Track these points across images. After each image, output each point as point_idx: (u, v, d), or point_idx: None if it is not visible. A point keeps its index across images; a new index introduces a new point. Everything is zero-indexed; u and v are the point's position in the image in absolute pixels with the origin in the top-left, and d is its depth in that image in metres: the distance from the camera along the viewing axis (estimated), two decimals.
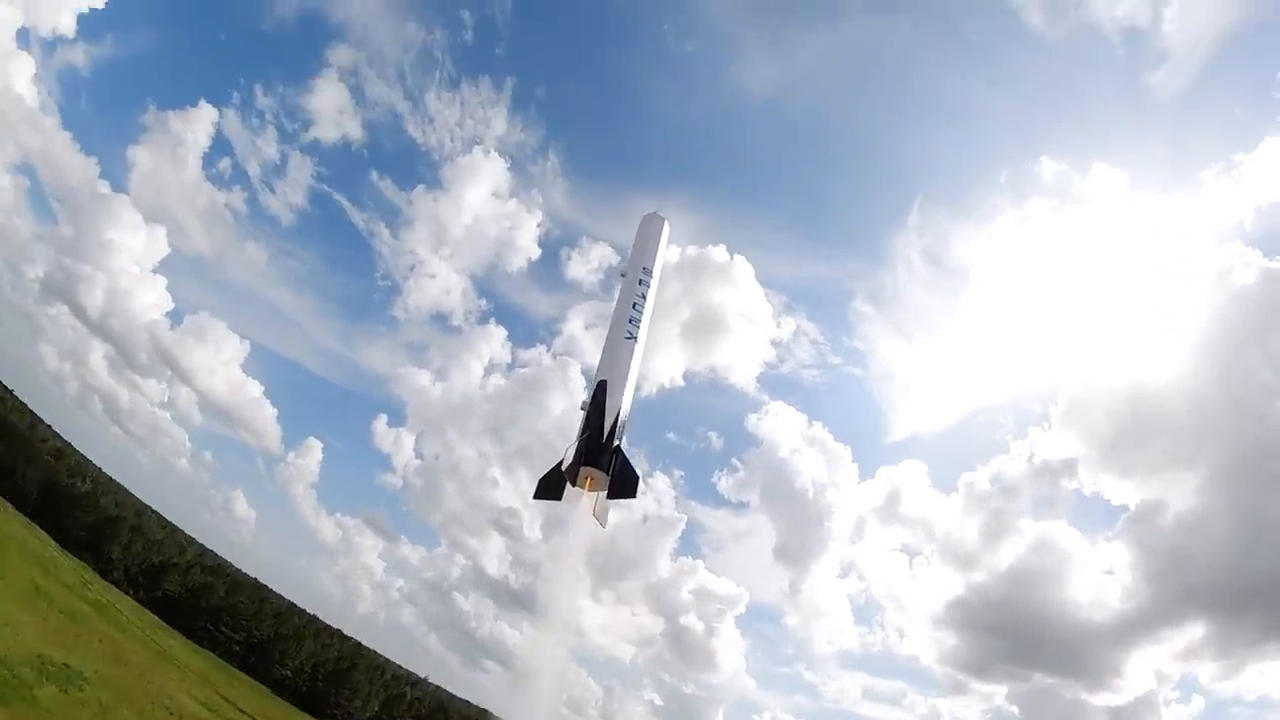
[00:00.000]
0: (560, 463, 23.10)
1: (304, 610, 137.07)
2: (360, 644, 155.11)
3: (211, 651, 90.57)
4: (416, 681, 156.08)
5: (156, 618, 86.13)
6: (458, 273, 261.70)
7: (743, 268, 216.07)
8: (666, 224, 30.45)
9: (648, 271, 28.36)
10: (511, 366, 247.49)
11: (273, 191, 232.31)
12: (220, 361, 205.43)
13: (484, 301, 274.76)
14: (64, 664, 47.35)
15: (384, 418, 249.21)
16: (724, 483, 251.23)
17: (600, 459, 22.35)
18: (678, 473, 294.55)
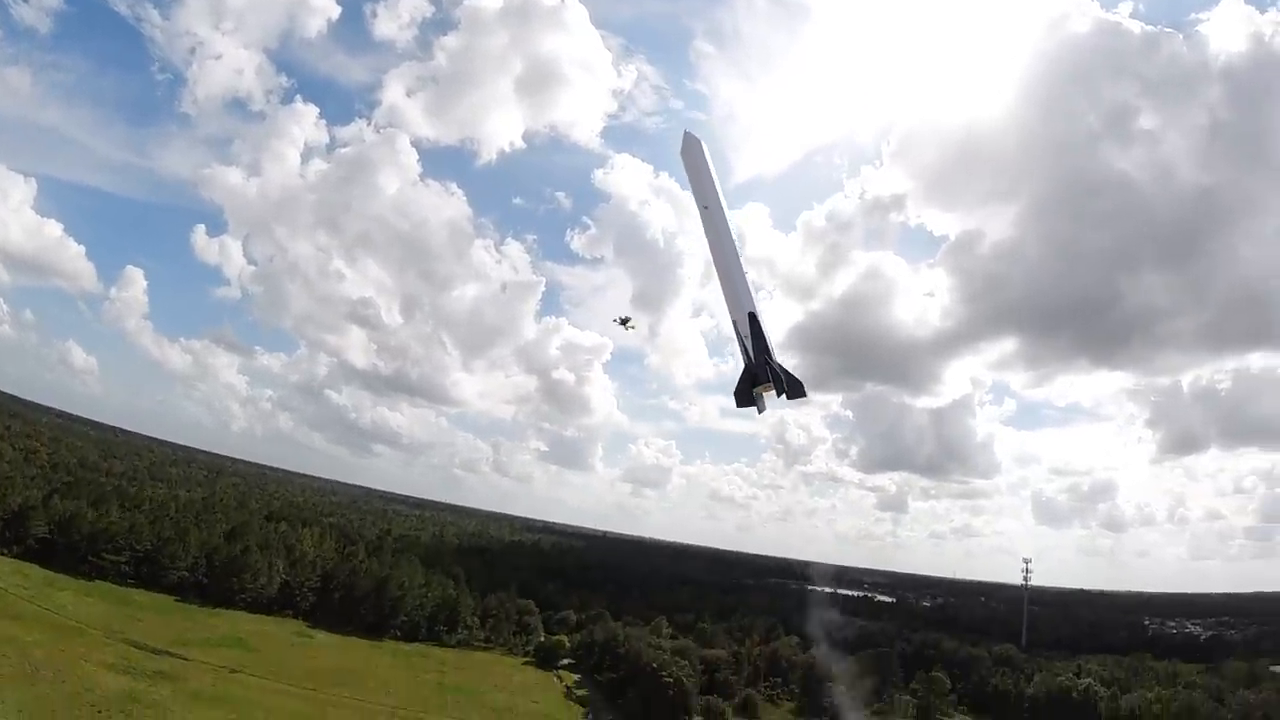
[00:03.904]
0: (746, 376, 27.60)
1: (178, 495, 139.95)
2: (246, 503, 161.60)
3: (104, 580, 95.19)
4: (310, 521, 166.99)
5: (40, 569, 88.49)
6: (247, 48, 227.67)
7: (575, 9, 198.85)
8: (704, 144, 31.03)
9: (720, 202, 30.15)
10: (331, 147, 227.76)
11: (25, 1, 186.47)
12: (9, 209, 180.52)
13: (284, 78, 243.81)
14: None
15: (201, 228, 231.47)
16: (577, 241, 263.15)
17: (771, 375, 27.19)
18: (530, 237, 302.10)
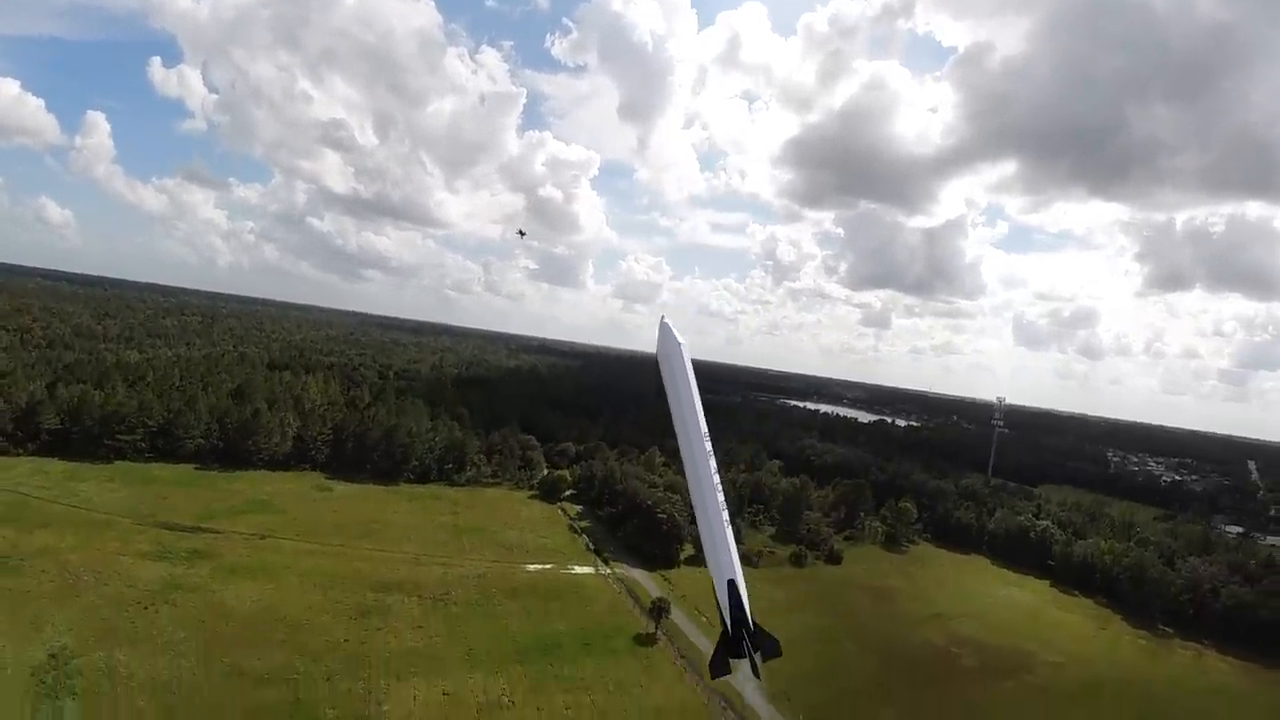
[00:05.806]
0: (724, 646, 30.12)
1: (179, 355, 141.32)
2: (246, 354, 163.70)
3: (123, 460, 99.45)
4: (313, 366, 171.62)
5: (59, 462, 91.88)
6: None
7: None
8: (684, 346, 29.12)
9: (703, 435, 28.59)
10: None
11: None
12: None
13: None
14: (49, 657, 56.14)
15: (157, 60, 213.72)
16: (558, 46, 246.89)
17: (753, 642, 29.47)
18: (507, 43, 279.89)
